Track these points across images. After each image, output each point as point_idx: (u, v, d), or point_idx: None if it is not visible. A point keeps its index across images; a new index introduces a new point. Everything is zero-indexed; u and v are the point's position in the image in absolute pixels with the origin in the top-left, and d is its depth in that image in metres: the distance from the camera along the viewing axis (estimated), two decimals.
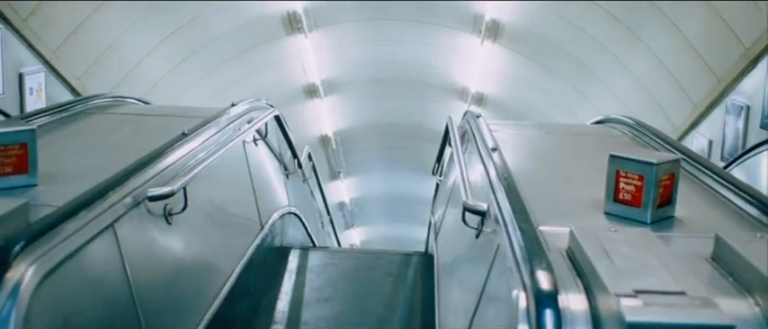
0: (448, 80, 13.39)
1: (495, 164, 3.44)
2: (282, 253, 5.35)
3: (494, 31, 10.52)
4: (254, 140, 4.98)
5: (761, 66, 6.78)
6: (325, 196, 8.78)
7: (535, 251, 2.28)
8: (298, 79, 13.19)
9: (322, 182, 16.54)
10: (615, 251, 2.24)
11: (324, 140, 16.15)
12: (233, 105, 4.74)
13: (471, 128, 4.52)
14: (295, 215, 6.12)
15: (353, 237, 25.36)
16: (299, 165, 6.36)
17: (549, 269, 2.14)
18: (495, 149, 3.69)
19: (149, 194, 2.99)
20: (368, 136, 16.67)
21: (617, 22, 8.73)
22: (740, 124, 7.16)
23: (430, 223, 6.50)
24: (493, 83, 12.55)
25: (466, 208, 3.08)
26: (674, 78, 8.48)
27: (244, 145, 4.64)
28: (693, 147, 7.84)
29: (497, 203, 2.95)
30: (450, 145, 5.13)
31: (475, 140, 4.27)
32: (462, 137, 4.83)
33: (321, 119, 15.07)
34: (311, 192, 8.04)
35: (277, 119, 5.48)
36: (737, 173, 6.28)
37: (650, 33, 8.46)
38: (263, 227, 4.82)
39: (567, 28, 9.54)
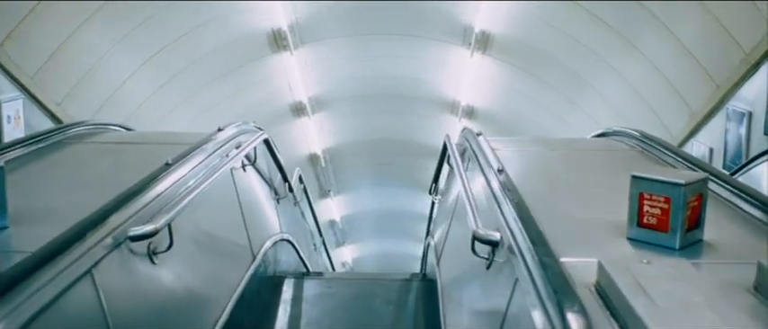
0: (438, 94, 13.19)
1: (503, 187, 3.21)
2: (276, 283, 5.09)
3: (483, 42, 10.33)
4: (243, 166, 4.73)
5: (762, 70, 6.60)
6: (316, 217, 8.52)
7: (563, 289, 2.06)
8: (284, 97, 12.95)
9: (312, 201, 16.27)
10: (652, 286, 2.01)
11: (313, 159, 15.90)
12: (220, 130, 4.50)
13: (472, 147, 4.29)
14: (288, 241, 5.86)
15: (345, 255, 25.07)
16: (290, 189, 6.11)
17: (582, 311, 1.91)
18: (501, 171, 3.46)
19: (131, 234, 2.73)
20: (357, 153, 16.44)
21: (610, 29, 8.55)
22: (742, 131, 6.97)
23: (428, 244, 6.25)
24: (483, 95, 12.36)
25: (476, 238, 2.84)
26: (670, 85, 8.29)
27: (232, 172, 4.39)
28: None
29: (511, 232, 2.72)
30: (448, 163, 4.90)
31: (477, 160, 4.04)
32: (462, 155, 4.60)
33: (309, 137, 14.83)
34: (302, 214, 7.78)
35: (266, 142, 5.23)
36: (744, 181, 6.08)
37: (645, 40, 8.28)
38: (255, 258, 4.56)
39: (558, 37, 9.36)
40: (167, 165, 3.48)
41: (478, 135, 4.46)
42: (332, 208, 19.68)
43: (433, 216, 6.32)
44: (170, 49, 9.63)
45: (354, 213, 20.91)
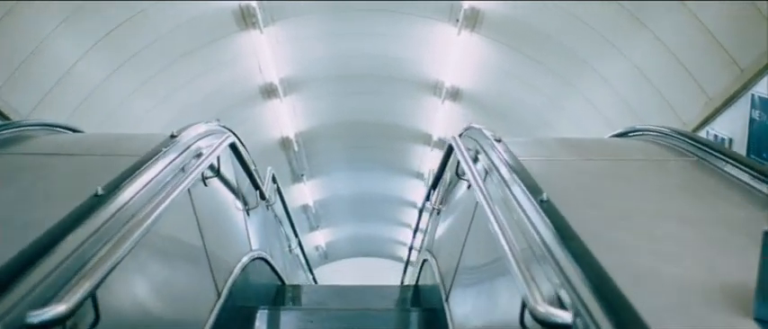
0: (420, 74, 12.28)
1: (556, 229, 2.34)
2: (246, 316, 4.21)
3: (473, 19, 9.42)
4: (204, 179, 3.82)
5: None
6: (291, 219, 7.64)
7: None
8: (254, 79, 11.94)
9: (284, 187, 15.38)
10: None
11: (284, 143, 14.92)
12: (173, 136, 3.57)
13: (491, 158, 3.42)
14: (260, 259, 4.98)
15: (319, 239, 24.24)
16: (262, 197, 5.20)
17: None
18: (545, 202, 2.59)
19: (30, 320, 1.84)
20: (332, 136, 15.51)
21: (616, 5, 7.70)
22: None
23: (423, 261, 5.40)
24: (470, 77, 11.47)
25: (535, 317, 1.97)
26: (684, 68, 7.48)
27: (189, 191, 3.48)
28: None
29: (589, 314, 1.87)
30: (457, 174, 4.04)
31: (501, 177, 3.16)
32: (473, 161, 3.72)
33: (281, 120, 13.85)
34: (276, 217, 6.88)
35: (232, 146, 4.31)
36: None
37: (657, 18, 7.44)
38: (220, 295, 3.68)
39: (556, 14, 8.48)
40: (97, 198, 2.56)
41: (498, 141, 3.59)
42: (305, 193, 18.77)
43: (430, 228, 5.47)
44: (125, 28, 8.59)
45: (328, 197, 20.03)
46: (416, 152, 16.11)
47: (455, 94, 12.11)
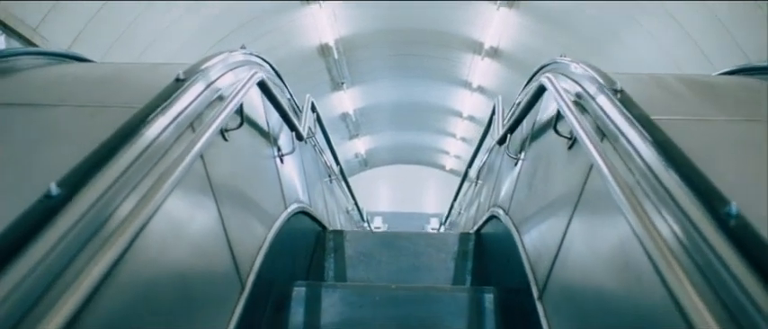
0: None
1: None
2: (278, 300, 3.41)
3: None
4: (224, 133, 2.93)
5: None
6: (334, 151, 6.76)
7: None
8: None
9: (321, 96, 14.50)
10: None
11: (324, 50, 13.92)
12: (179, 81, 2.65)
13: (616, 125, 2.43)
14: (297, 214, 4.14)
15: (358, 147, 23.53)
16: (299, 137, 4.29)
17: None
18: (735, 217, 1.65)
19: None
20: (375, 42, 14.45)
21: None
22: None
23: (488, 217, 4.52)
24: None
25: None
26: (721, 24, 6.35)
27: (202, 157, 2.60)
28: None
29: None
30: (557, 129, 3.07)
31: (647, 168, 2.18)
32: (549, 126, 2.75)
33: (320, 26, 12.81)
34: (316, 151, 6.02)
35: (261, 85, 3.37)
36: None
37: None
38: (244, 286, 2.85)
39: None
40: (48, 200, 1.69)
41: (618, 92, 2.61)
42: (345, 101, 17.91)
43: (500, 178, 4.54)
44: None
45: (369, 105, 19.15)
46: (464, 60, 15.01)
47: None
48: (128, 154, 2.07)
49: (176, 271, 2.29)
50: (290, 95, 4.87)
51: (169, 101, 2.51)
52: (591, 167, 2.55)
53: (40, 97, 2.78)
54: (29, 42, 7.04)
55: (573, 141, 2.87)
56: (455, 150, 24.24)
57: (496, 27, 12.27)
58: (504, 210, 4.00)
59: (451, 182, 24.18)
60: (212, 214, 2.66)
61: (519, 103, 4.44)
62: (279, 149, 3.96)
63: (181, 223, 2.37)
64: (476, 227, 5.23)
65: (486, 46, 13.48)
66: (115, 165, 1.99)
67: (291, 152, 4.09)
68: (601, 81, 2.81)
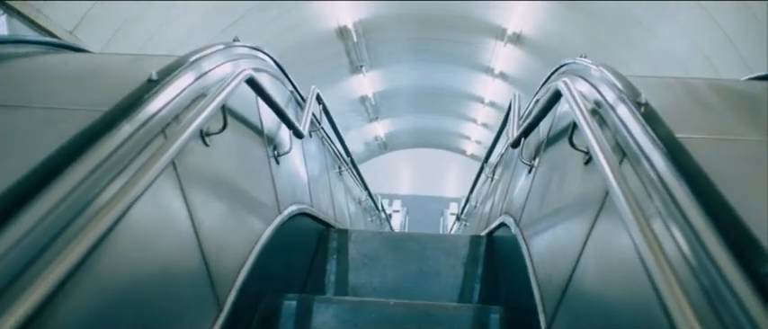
0: None
1: None
2: (263, 324, 3.16)
3: None
4: (204, 137, 2.67)
5: None
6: (343, 141, 6.49)
7: None
8: None
9: (340, 79, 14.20)
10: None
11: (342, 32, 13.59)
12: (151, 82, 2.38)
13: (641, 149, 2.12)
14: (295, 216, 3.89)
15: (378, 130, 23.25)
16: (298, 135, 4.01)
17: None
18: None
19: None
20: (395, 26, 14.10)
21: None
22: None
23: (499, 223, 4.24)
24: None
25: None
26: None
27: (174, 167, 2.34)
28: None
29: None
30: (573, 142, 2.77)
31: (672, 202, 1.87)
32: (563, 133, 2.45)
33: (337, 8, 12.49)
34: (322, 141, 5.75)
35: (251, 83, 3.09)
36: None
37: None
38: (222, 309, 2.60)
39: None
40: None
41: (642, 105, 2.30)
42: (364, 84, 17.62)
43: (513, 183, 4.24)
44: None
45: (389, 88, 18.82)
46: (486, 46, 14.62)
47: None
48: (77, 171, 1.83)
49: (136, 297, 2.04)
50: (294, 88, 4.59)
51: (137, 104, 2.26)
52: (607, 191, 2.26)
53: (3, 97, 2.53)
54: (33, 23, 6.82)
55: (590, 157, 2.58)
56: (476, 135, 23.88)
57: (520, 13, 11.89)
58: (514, 221, 3.71)
59: (472, 168, 23.82)
60: (184, 229, 2.40)
61: (535, 104, 4.14)
62: (275, 149, 3.70)
63: (142, 243, 2.11)
64: (488, 229, 4.95)
65: (509, 32, 13.10)
66: (59, 186, 1.75)
67: (289, 151, 3.82)
68: (623, 90, 2.50)
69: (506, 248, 3.96)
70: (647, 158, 2.07)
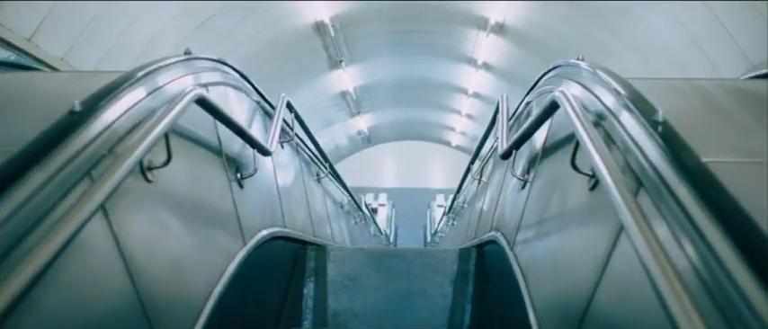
0: None
1: None
2: None
3: None
4: (146, 173, 2.28)
5: None
6: (318, 143, 6.09)
7: None
8: None
9: (319, 75, 13.78)
10: None
11: (319, 28, 13.18)
12: (73, 114, 1.99)
13: (665, 182, 1.76)
14: (268, 240, 3.51)
15: (360, 124, 22.88)
16: (264, 152, 3.62)
17: None
18: None
19: None
20: (372, 19, 13.70)
21: None
22: None
23: (486, 240, 3.88)
24: None
25: None
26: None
27: (105, 215, 1.97)
28: None
29: None
30: (575, 165, 2.40)
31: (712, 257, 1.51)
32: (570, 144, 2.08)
33: (313, 3, 12.08)
34: (297, 150, 5.37)
35: (201, 103, 2.69)
36: None
37: None
38: None
39: None
40: None
41: (660, 124, 1.93)
42: (344, 79, 17.22)
43: (503, 199, 3.87)
44: None
45: (370, 82, 18.44)
46: (468, 36, 14.24)
47: None
48: None
49: None
50: (261, 97, 4.20)
51: (54, 144, 1.88)
52: (622, 226, 1.90)
53: None
54: None
55: (596, 182, 2.21)
56: (461, 127, 23.56)
57: (502, 2, 11.52)
58: (507, 242, 3.34)
59: (458, 159, 23.54)
60: (119, 288, 2.01)
61: (525, 106, 3.77)
62: (238, 171, 3.31)
63: (60, 318, 1.72)
64: (478, 241, 4.59)
65: (492, 22, 12.73)
66: None
67: (254, 173, 3.43)
68: (632, 101, 2.13)
69: (498, 267, 3.59)
70: (673, 194, 1.70)
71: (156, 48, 8.84)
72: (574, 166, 2.34)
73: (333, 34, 13.47)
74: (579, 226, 2.35)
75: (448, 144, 26.38)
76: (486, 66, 15.75)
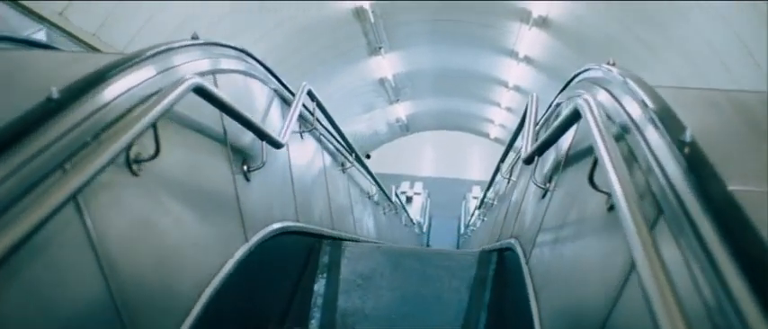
0: None
1: None
2: None
3: None
4: (132, 166, 2.15)
5: None
6: (342, 132, 5.92)
7: None
8: None
9: (358, 61, 13.65)
10: None
11: (359, 13, 13.00)
12: (50, 101, 1.86)
13: (672, 202, 1.57)
14: (275, 236, 3.37)
15: (399, 112, 22.71)
16: (275, 145, 3.46)
17: None
18: None
19: None
20: (413, 7, 13.49)
21: None
22: None
23: (505, 247, 3.69)
24: None
25: None
26: None
27: (79, 211, 1.84)
28: None
29: None
30: (594, 183, 2.20)
31: None
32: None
33: None
34: (319, 140, 5.22)
35: (200, 92, 2.54)
36: None
37: None
38: None
39: None
40: None
41: (687, 145, 1.73)
42: (383, 66, 17.06)
43: (523, 207, 3.68)
44: None
45: (409, 70, 18.23)
46: (510, 29, 13.94)
47: None
48: None
49: None
50: (281, 84, 4.06)
51: (24, 134, 1.75)
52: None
53: None
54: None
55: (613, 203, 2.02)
56: (500, 119, 23.23)
57: None
58: (523, 254, 3.15)
59: (495, 151, 23.14)
60: (91, 286, 1.89)
61: (554, 109, 3.56)
62: (245, 163, 3.16)
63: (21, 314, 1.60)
64: (499, 245, 4.39)
65: (535, 15, 12.42)
66: None
67: (262, 166, 3.28)
68: (660, 117, 1.93)
69: (513, 277, 3.41)
70: (695, 229, 1.50)
71: (191, 25, 8.75)
72: (592, 183, 2.15)
73: (372, 20, 13.29)
74: (595, 249, 2.16)
75: (486, 136, 26.07)
76: (527, 60, 15.44)
